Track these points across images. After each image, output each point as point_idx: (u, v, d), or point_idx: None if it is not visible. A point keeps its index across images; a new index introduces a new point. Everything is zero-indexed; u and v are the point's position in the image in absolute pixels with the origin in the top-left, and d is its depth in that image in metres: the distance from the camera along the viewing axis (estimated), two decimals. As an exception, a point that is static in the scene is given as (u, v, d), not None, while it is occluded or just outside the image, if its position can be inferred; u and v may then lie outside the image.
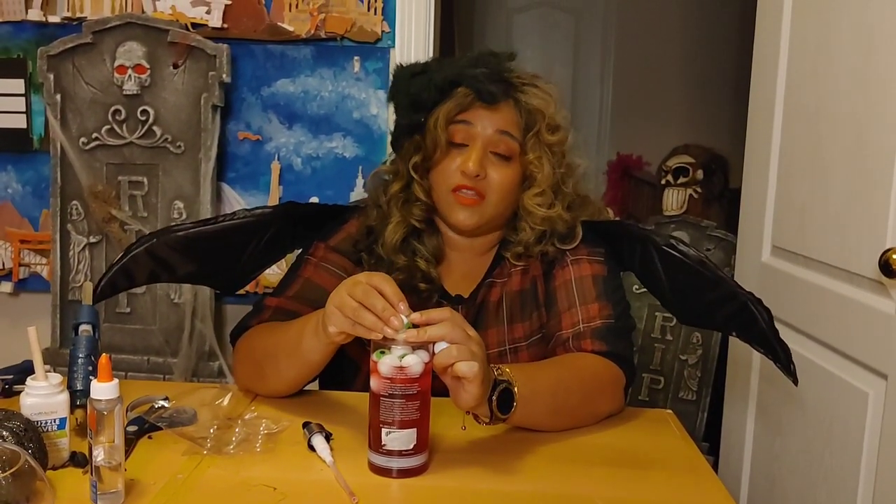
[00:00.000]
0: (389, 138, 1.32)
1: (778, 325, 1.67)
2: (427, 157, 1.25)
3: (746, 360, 1.80)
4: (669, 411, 1.27)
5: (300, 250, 1.35)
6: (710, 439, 2.37)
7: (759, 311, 1.20)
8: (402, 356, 0.94)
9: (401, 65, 1.31)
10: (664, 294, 1.32)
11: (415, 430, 0.96)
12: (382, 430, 0.95)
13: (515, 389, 1.02)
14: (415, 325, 0.94)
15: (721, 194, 2.95)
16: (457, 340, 0.93)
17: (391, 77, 1.31)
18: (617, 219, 1.41)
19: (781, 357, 1.21)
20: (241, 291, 2.04)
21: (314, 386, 1.40)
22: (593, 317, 1.23)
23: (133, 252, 1.28)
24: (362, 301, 0.96)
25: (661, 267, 1.28)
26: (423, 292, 1.26)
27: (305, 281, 1.27)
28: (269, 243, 1.34)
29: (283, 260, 1.53)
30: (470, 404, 0.96)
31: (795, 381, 1.22)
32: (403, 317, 0.94)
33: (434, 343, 0.94)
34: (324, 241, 1.30)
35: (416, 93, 1.24)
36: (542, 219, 1.26)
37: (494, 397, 0.99)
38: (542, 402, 1.08)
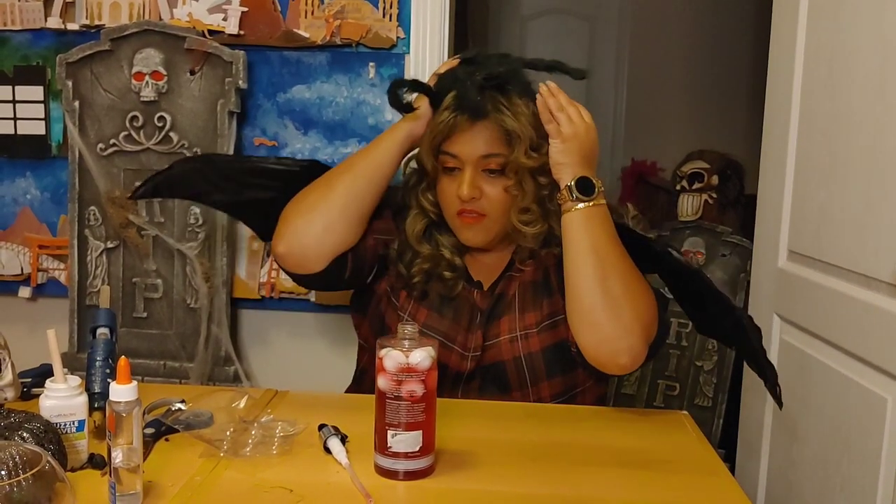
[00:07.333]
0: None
1: (795, 331, 1.66)
2: (429, 181, 1.32)
3: (763, 366, 1.79)
4: (685, 412, 1.27)
5: None
6: (725, 445, 2.36)
7: (749, 329, 1.24)
8: (409, 353, 0.95)
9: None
10: (681, 300, 1.36)
11: (420, 432, 0.96)
12: (388, 432, 0.96)
13: (596, 182, 1.20)
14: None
15: (737, 200, 2.94)
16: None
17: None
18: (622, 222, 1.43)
19: (768, 377, 1.25)
20: (257, 297, 2.06)
21: (328, 388, 1.40)
22: None
23: (176, 167, 1.45)
24: None
25: (665, 273, 1.33)
26: (448, 280, 1.30)
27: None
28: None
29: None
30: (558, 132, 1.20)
31: (780, 405, 1.27)
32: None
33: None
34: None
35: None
36: (531, 237, 1.29)
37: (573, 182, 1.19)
38: (601, 229, 1.20)
